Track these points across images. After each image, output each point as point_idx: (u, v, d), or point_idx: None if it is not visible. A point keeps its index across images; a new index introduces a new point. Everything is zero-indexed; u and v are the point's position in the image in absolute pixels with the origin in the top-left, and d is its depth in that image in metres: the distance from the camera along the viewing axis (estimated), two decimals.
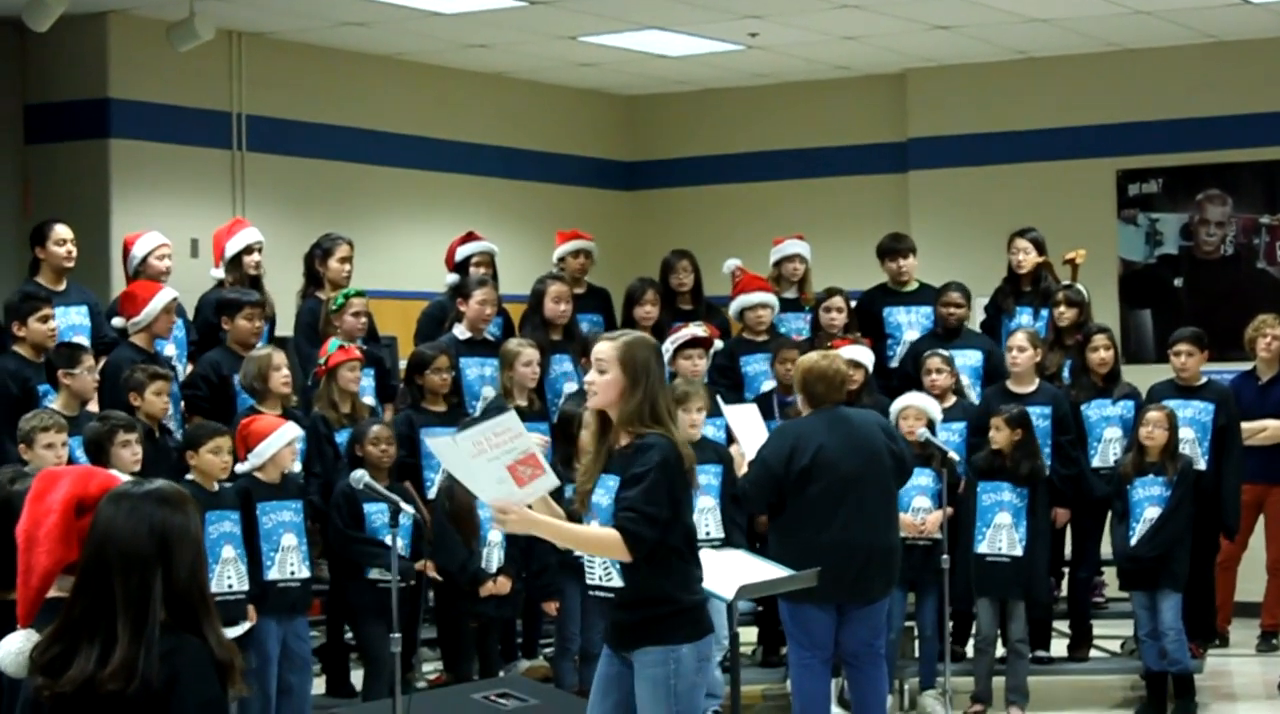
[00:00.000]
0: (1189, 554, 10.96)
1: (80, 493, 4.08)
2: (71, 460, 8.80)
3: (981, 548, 10.80)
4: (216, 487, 9.21)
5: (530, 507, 6.18)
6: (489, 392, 11.10)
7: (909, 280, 12.40)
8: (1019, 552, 10.76)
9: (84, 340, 10.11)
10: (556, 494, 6.36)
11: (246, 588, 9.28)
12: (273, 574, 9.46)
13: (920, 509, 10.66)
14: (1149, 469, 10.86)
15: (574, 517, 6.54)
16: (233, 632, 8.93)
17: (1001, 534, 10.79)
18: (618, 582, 6.29)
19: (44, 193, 13.09)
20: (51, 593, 4.11)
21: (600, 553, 6.26)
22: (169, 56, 12.74)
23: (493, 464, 5.99)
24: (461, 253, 11.88)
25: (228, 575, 9.20)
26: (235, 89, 13.81)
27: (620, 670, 6.41)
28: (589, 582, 6.44)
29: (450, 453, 6.17)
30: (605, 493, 6.29)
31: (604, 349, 6.36)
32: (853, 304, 12.03)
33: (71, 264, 10.50)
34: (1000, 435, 10.77)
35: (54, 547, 4.05)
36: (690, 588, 6.34)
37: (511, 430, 5.99)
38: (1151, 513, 10.83)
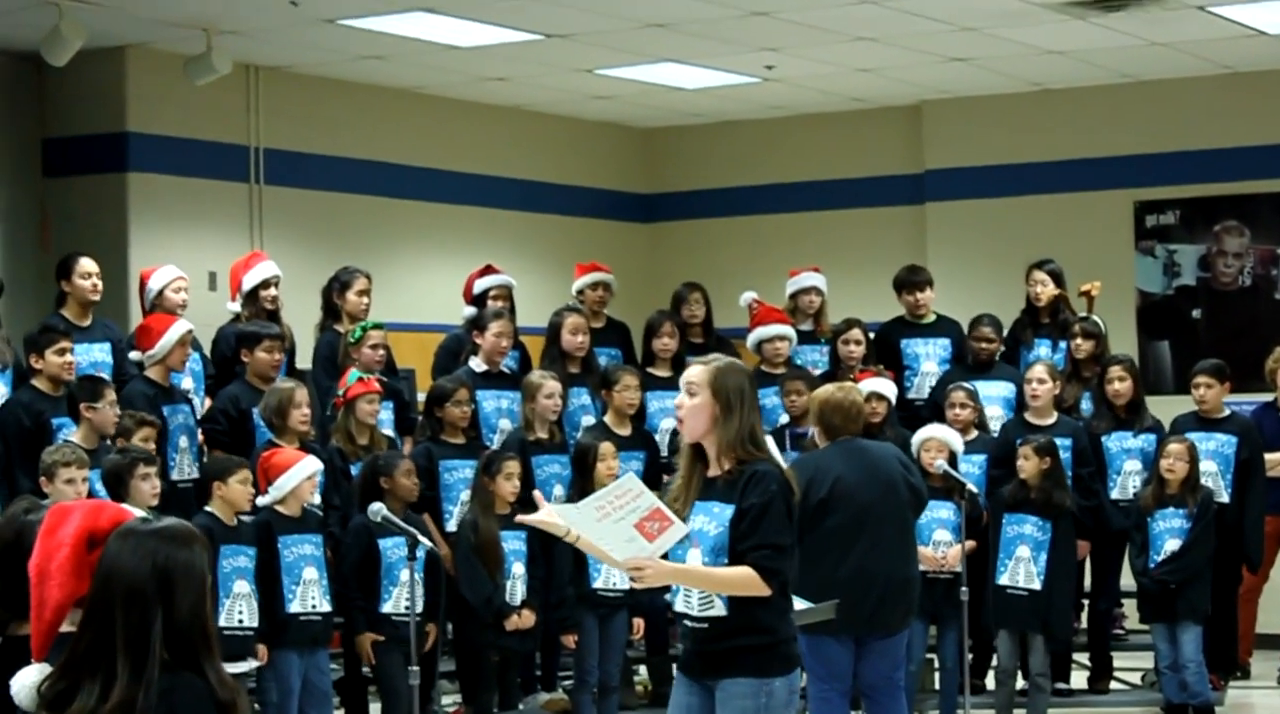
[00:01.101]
0: (1209, 587, 10.94)
1: (92, 526, 4.08)
2: (91, 494, 8.81)
3: (1002, 580, 10.79)
4: (236, 521, 9.21)
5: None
6: (506, 424, 11.10)
7: (926, 312, 12.40)
8: (1037, 585, 10.73)
9: (105, 376, 10.12)
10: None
11: (257, 624, 9.28)
12: (294, 607, 9.46)
13: (941, 542, 10.63)
14: (1169, 501, 10.85)
15: None
16: (239, 667, 8.93)
17: (1020, 567, 10.77)
18: (718, 610, 6.19)
19: (62, 226, 13.12)
20: (65, 627, 4.10)
21: (736, 591, 6.13)
22: (187, 90, 12.77)
23: (620, 525, 5.98)
24: (480, 286, 11.88)
25: (239, 610, 9.20)
26: (253, 122, 13.84)
27: (702, 701, 6.31)
28: (679, 609, 6.33)
29: (576, 519, 6.09)
30: (710, 520, 6.19)
31: (696, 372, 6.27)
32: (871, 336, 12.02)
33: (97, 298, 10.53)
34: (1029, 465, 10.75)
35: (66, 580, 4.04)
36: (787, 620, 6.29)
37: (632, 491, 6.00)
38: (1172, 545, 10.81)
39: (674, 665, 10.99)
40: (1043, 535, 10.78)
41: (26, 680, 4.00)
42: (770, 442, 9.41)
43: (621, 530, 5.99)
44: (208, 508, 9.09)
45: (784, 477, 6.22)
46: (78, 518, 4.08)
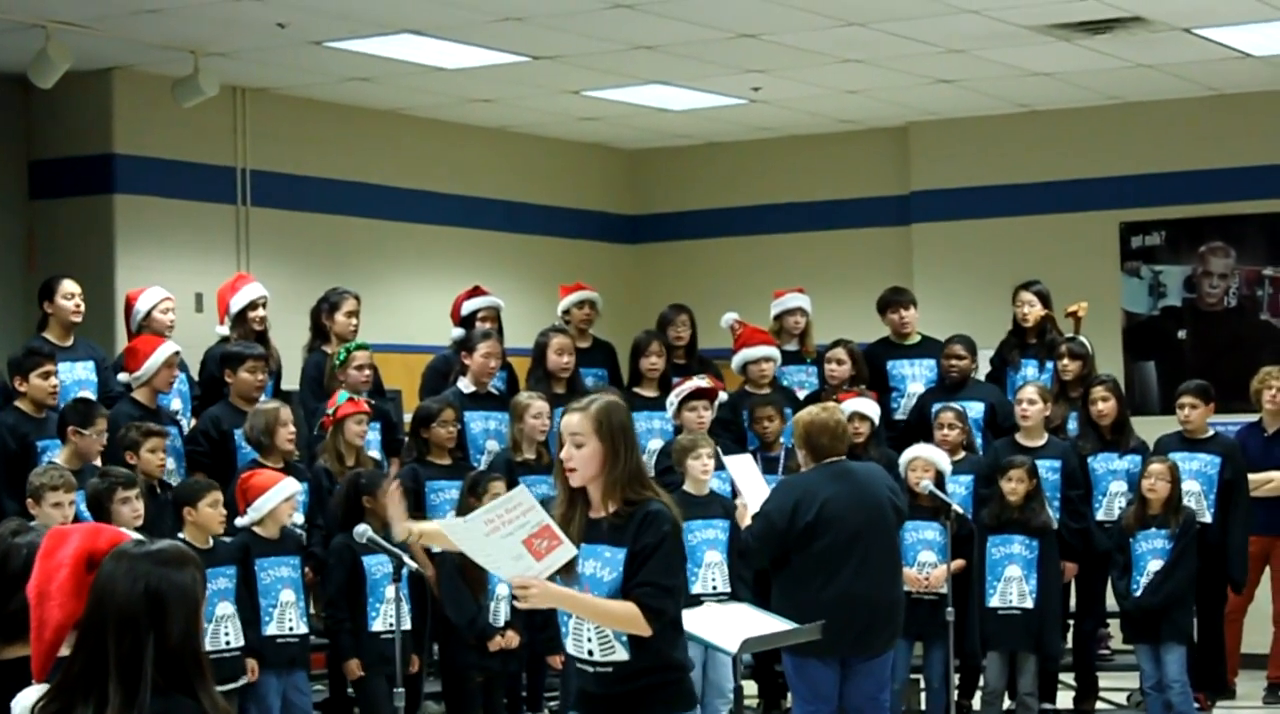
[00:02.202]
0: (1192, 607, 10.96)
1: (91, 548, 4.08)
2: (77, 516, 8.80)
3: (993, 601, 10.81)
4: (211, 542, 9.20)
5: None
6: (493, 445, 11.11)
7: (910, 332, 12.43)
8: (1030, 604, 10.76)
9: (90, 394, 10.13)
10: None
11: (243, 643, 9.29)
12: (271, 629, 9.48)
13: (925, 563, 10.65)
14: (1151, 522, 10.87)
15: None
16: (231, 687, 8.95)
17: (1012, 586, 10.79)
18: (620, 655, 6.00)
19: (48, 248, 13.11)
20: (64, 650, 4.10)
21: (618, 626, 5.96)
22: (174, 112, 12.78)
23: (507, 540, 5.81)
24: (468, 307, 11.90)
25: (225, 631, 9.20)
26: (240, 144, 13.85)
27: None
28: (574, 654, 6.14)
29: (463, 534, 5.98)
30: (603, 565, 5.99)
31: (574, 421, 6.01)
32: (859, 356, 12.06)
33: (79, 319, 10.52)
34: (1021, 487, 10.79)
35: (66, 600, 4.04)
36: (685, 655, 6.18)
37: (523, 505, 5.80)
38: (1154, 565, 10.83)
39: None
40: (1031, 554, 10.81)
41: (26, 702, 4.01)
42: (733, 460, 9.49)
43: (509, 546, 5.83)
44: (181, 534, 9.00)
45: (675, 516, 6.02)
46: (76, 539, 4.09)
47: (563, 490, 6.12)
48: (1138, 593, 10.83)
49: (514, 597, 6.08)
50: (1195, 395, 11.56)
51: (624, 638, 5.99)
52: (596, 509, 6.05)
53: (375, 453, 10.87)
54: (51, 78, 11.79)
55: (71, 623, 4.01)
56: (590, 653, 6.05)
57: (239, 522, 9.51)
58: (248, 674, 9.29)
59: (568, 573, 5.97)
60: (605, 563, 5.97)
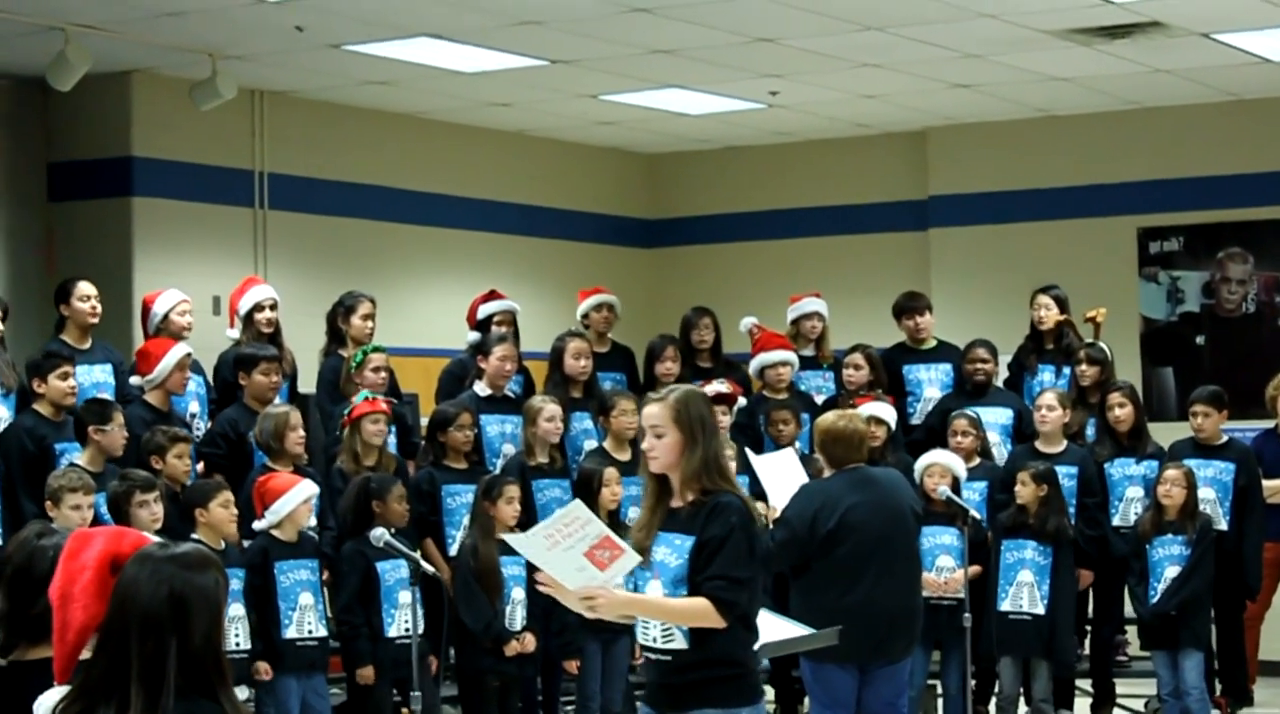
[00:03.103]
0: (1210, 613, 10.94)
1: (115, 551, 4.09)
2: (97, 518, 8.81)
3: (1004, 606, 10.80)
4: (223, 544, 9.20)
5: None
6: (509, 449, 11.11)
7: (926, 337, 12.41)
8: (1041, 610, 10.75)
9: (107, 396, 10.12)
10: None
11: (250, 646, 9.30)
12: (290, 633, 9.47)
13: (944, 568, 10.64)
14: (1168, 528, 10.85)
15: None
16: (241, 692, 8.94)
17: (1024, 592, 10.77)
18: (679, 644, 6.14)
19: (67, 251, 13.14)
20: (86, 653, 4.10)
21: (691, 622, 6.09)
22: (192, 115, 12.80)
23: (569, 553, 5.93)
24: (484, 311, 11.90)
25: (235, 633, 9.20)
26: (257, 147, 13.87)
27: None
28: (642, 642, 6.30)
29: (527, 548, 6.13)
30: (671, 551, 6.14)
31: (655, 412, 6.21)
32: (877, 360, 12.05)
33: (96, 321, 10.53)
34: (1026, 490, 10.78)
35: (90, 603, 4.05)
36: (750, 652, 6.26)
37: (580, 518, 5.93)
38: (1171, 572, 10.82)
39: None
40: (1044, 560, 10.79)
41: (48, 703, 4.01)
42: (765, 459, 9.47)
43: (571, 559, 5.93)
44: (194, 535, 9.01)
45: (746, 509, 6.15)
46: (100, 542, 4.10)
47: (649, 481, 6.30)
48: (1154, 599, 10.82)
49: (584, 610, 6.18)
50: (1208, 403, 11.53)
51: (684, 628, 6.11)
52: (676, 498, 6.22)
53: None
54: (70, 80, 11.81)
55: (94, 625, 4.02)
56: (654, 640, 6.21)
57: (257, 525, 9.51)
58: (254, 679, 9.28)
59: (642, 560, 6.14)
60: (674, 550, 6.12)
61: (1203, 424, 11.48)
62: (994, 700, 11.25)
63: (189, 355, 10.40)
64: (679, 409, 6.17)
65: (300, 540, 9.62)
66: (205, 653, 3.91)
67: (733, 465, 10.09)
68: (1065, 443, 11.38)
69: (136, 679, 3.84)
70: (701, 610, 6.04)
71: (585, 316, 12.19)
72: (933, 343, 12.46)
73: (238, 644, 9.23)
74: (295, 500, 9.52)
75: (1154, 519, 10.90)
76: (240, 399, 10.64)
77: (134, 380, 10.38)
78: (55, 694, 4.00)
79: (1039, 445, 11.35)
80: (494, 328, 11.71)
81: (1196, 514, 10.89)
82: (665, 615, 6.15)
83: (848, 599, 8.58)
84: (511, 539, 6.35)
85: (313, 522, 9.95)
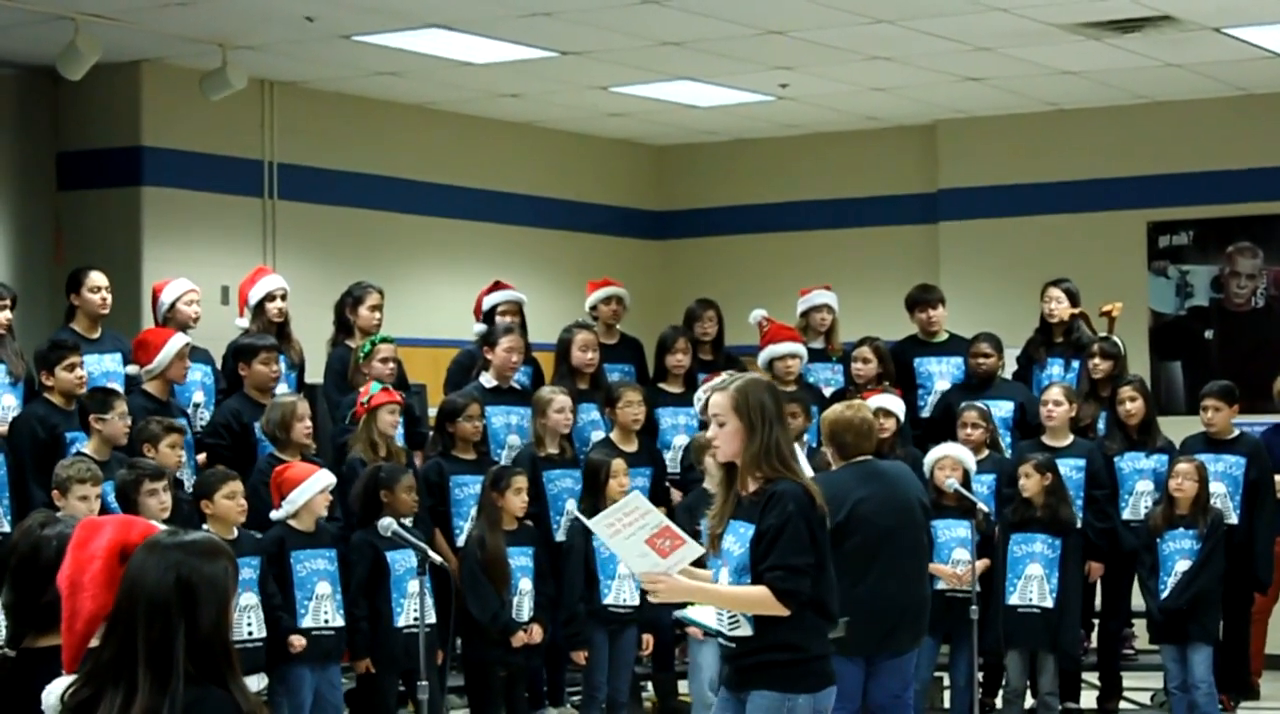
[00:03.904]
0: (1220, 607, 10.94)
1: (124, 540, 4.09)
2: (105, 507, 8.82)
3: (1012, 599, 10.80)
4: (236, 533, 9.20)
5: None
6: (515, 440, 11.11)
7: (939, 331, 12.40)
8: (1049, 603, 10.75)
9: (117, 386, 10.13)
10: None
11: (264, 634, 9.29)
12: (306, 622, 9.47)
13: (960, 561, 10.62)
14: (1179, 522, 10.85)
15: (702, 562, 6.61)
16: (251, 681, 8.94)
17: (1032, 585, 10.78)
18: (744, 630, 6.31)
19: (76, 240, 13.14)
20: (94, 641, 4.11)
21: (754, 610, 6.26)
22: (201, 105, 12.80)
23: (630, 541, 6.14)
24: (489, 302, 11.88)
25: (247, 622, 9.20)
26: (267, 137, 13.87)
27: (736, 712, 6.42)
28: (716, 627, 6.48)
29: (598, 530, 6.35)
30: (736, 540, 6.29)
31: (716, 401, 6.36)
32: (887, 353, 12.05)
33: (106, 311, 10.53)
34: (1030, 482, 10.79)
35: (99, 592, 4.05)
36: (819, 639, 6.36)
37: (639, 509, 6.16)
38: (1182, 566, 10.82)
39: (681, 682, 11.05)
40: (1053, 553, 10.79)
41: (57, 690, 4.02)
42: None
43: (633, 546, 6.14)
44: (205, 526, 9.02)
45: (806, 495, 6.26)
46: (110, 531, 4.10)
47: (719, 470, 6.47)
48: (1164, 593, 10.81)
49: (647, 594, 6.38)
50: (1219, 397, 11.53)
51: (749, 615, 6.27)
52: (742, 486, 6.35)
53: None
54: (80, 70, 11.82)
55: (103, 614, 4.02)
56: (724, 626, 6.37)
57: (274, 515, 9.52)
58: (264, 671, 9.28)
59: (715, 550, 6.37)
60: (738, 538, 6.27)
61: (1213, 418, 11.48)
62: (1000, 693, 11.26)
63: (189, 345, 10.38)
64: (738, 398, 6.30)
65: (318, 530, 9.62)
66: (214, 640, 3.92)
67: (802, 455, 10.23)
68: (1072, 437, 11.38)
69: (144, 665, 3.85)
70: (763, 599, 6.20)
71: (594, 308, 12.18)
72: (944, 336, 12.45)
73: (250, 633, 9.23)
74: (313, 489, 9.52)
75: (1165, 513, 10.90)
76: (241, 389, 10.63)
77: (131, 369, 10.35)
78: (63, 682, 4.00)
79: (1045, 439, 11.35)
80: (499, 318, 11.68)
81: (1208, 508, 10.89)
82: (729, 603, 6.32)
83: (855, 591, 8.56)
84: (586, 521, 6.59)
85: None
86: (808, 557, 6.22)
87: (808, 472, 9.34)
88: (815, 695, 6.31)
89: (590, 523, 6.37)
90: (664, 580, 6.15)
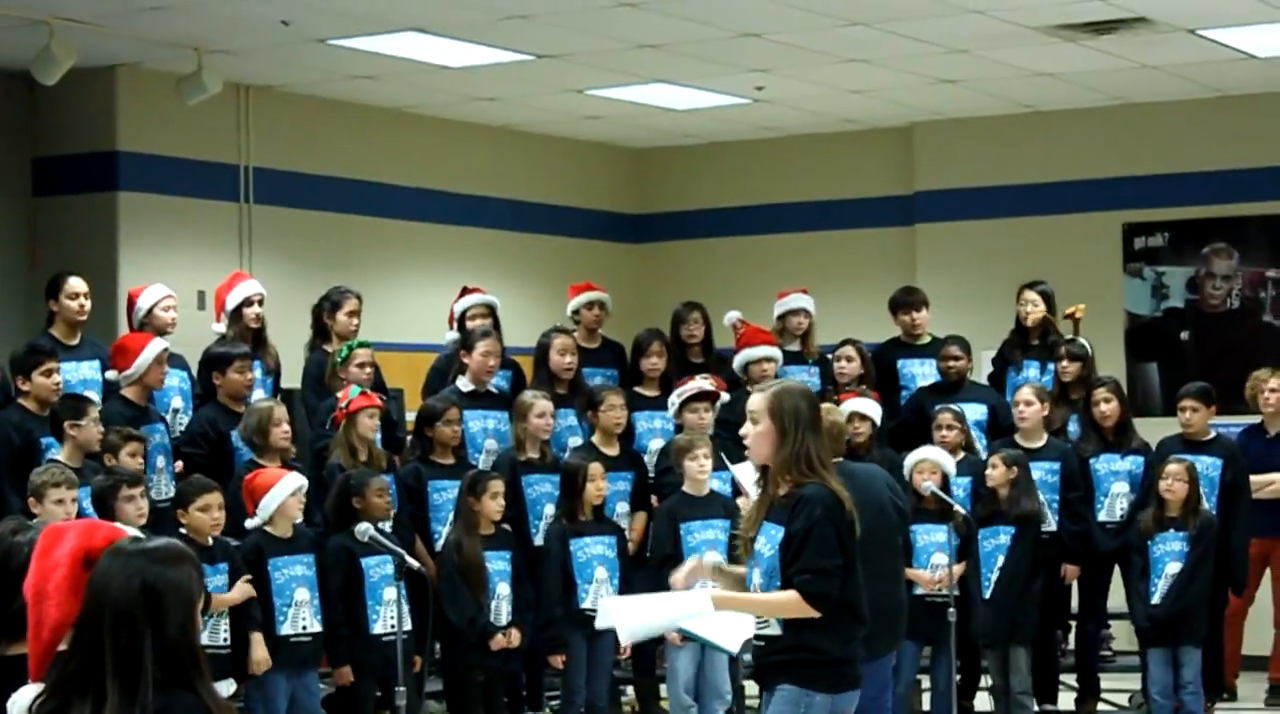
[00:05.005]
0: (1208, 610, 10.98)
1: (88, 545, 4.07)
2: (81, 513, 8.80)
3: (989, 594, 10.82)
4: (210, 541, 9.18)
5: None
6: (492, 444, 11.10)
7: (922, 333, 12.41)
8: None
9: (94, 395, 10.10)
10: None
11: (234, 641, 9.27)
12: (285, 629, 9.46)
13: (938, 565, 10.63)
14: (1170, 524, 10.83)
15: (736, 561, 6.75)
16: (220, 687, 8.91)
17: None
18: (772, 630, 6.43)
19: (52, 245, 13.11)
20: (62, 647, 4.10)
21: (787, 614, 6.36)
22: (177, 110, 12.78)
23: (647, 610, 6.54)
24: (459, 307, 11.84)
25: (222, 630, 9.19)
26: (243, 142, 13.85)
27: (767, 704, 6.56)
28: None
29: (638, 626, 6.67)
30: (767, 542, 6.39)
31: (755, 401, 6.48)
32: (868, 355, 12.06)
33: (84, 317, 10.50)
34: (996, 472, 10.81)
35: (64, 600, 4.04)
36: (845, 643, 6.46)
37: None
38: (1172, 569, 10.82)
39: (663, 686, 11.05)
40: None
41: (22, 700, 4.01)
42: (740, 467, 9.46)
43: (647, 609, 6.53)
44: (181, 533, 9.00)
45: (834, 498, 6.35)
46: (73, 537, 4.08)
47: (759, 472, 6.58)
48: (1155, 598, 10.81)
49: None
50: (1196, 398, 11.55)
51: (779, 618, 6.40)
52: (774, 489, 6.45)
53: None
54: (55, 74, 11.79)
55: (70, 622, 4.01)
56: (754, 625, 6.50)
57: (249, 523, 9.50)
58: (252, 671, 9.26)
59: (749, 553, 6.49)
60: (769, 540, 6.39)
61: (1191, 419, 11.50)
62: (981, 694, 11.27)
63: (166, 350, 10.36)
64: (774, 402, 6.41)
65: (295, 536, 9.61)
66: (181, 645, 3.90)
67: (708, 462, 10.22)
68: (1046, 437, 11.40)
69: (111, 673, 3.84)
70: (793, 603, 6.31)
71: (576, 313, 12.17)
72: (927, 339, 12.46)
73: (226, 640, 9.22)
74: (283, 494, 9.50)
75: (1156, 515, 10.89)
76: (216, 397, 10.61)
77: (110, 375, 10.32)
78: (30, 691, 3.99)
79: (1019, 440, 11.36)
80: (469, 323, 11.63)
81: (1199, 510, 10.89)
82: (764, 610, 6.44)
83: None
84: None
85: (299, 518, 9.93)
86: (836, 559, 6.33)
87: None
88: (834, 697, 6.43)
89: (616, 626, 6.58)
90: (697, 603, 6.32)
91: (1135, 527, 11.11)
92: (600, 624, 6.87)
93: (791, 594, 6.29)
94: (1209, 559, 10.85)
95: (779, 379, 6.77)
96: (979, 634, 10.83)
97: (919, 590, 10.39)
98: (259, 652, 9.26)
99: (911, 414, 11.88)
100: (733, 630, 7.44)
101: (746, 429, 6.47)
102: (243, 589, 9.18)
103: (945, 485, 10.60)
